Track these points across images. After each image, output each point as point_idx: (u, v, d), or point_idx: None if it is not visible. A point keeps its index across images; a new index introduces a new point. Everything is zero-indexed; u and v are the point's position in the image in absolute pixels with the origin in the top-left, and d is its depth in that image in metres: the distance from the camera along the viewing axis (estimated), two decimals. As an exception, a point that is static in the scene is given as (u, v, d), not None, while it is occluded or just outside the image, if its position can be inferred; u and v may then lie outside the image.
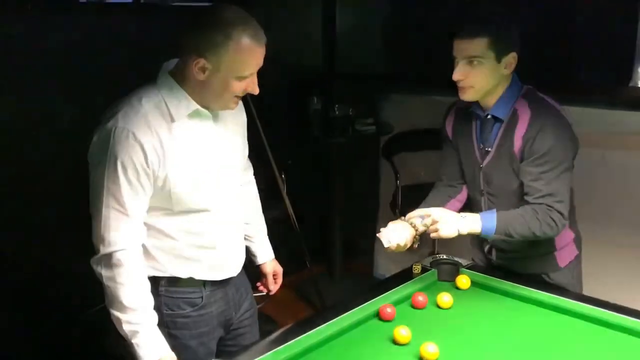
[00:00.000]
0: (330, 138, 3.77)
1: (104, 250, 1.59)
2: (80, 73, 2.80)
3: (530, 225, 1.79)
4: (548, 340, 1.72)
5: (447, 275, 2.05)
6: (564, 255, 2.03)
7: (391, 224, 1.93)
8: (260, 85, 1.67)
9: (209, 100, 1.65)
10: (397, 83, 4.02)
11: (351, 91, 4.00)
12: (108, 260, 1.60)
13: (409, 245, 1.91)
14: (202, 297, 1.78)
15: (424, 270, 2.08)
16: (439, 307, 1.89)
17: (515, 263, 2.03)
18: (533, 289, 1.93)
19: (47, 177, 2.74)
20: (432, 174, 3.39)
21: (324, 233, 4.06)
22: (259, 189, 2.11)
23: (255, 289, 2.06)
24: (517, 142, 1.84)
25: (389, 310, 1.83)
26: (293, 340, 1.65)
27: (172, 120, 1.62)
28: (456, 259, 2.12)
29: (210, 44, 1.54)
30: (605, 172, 3.04)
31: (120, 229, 1.59)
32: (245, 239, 1.96)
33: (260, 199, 2.12)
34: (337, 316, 1.79)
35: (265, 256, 2.07)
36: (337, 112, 3.83)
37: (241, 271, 1.92)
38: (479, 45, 1.78)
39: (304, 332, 1.69)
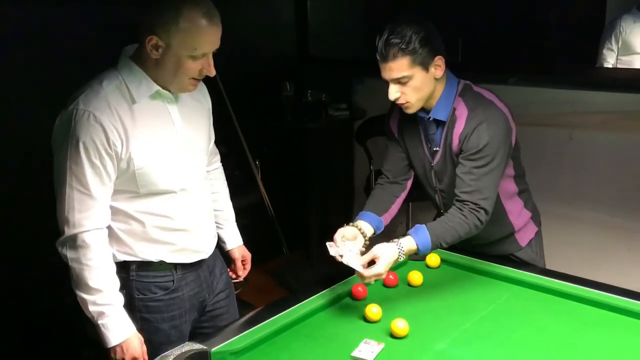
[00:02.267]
0: (304, 124, 3.78)
1: (68, 231, 1.61)
2: (42, 63, 2.75)
3: (458, 230, 1.81)
4: (515, 313, 1.78)
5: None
6: (524, 234, 2.08)
7: (345, 237, 1.90)
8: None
9: (165, 81, 1.66)
10: (370, 67, 4.04)
11: (324, 76, 4.01)
12: (73, 241, 1.61)
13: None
14: (173, 281, 1.79)
15: (396, 250, 2.12)
16: (409, 285, 1.93)
17: (479, 248, 2.07)
18: (500, 265, 1.99)
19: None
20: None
21: (299, 218, 4.09)
22: (233, 175, 2.12)
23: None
24: (455, 141, 1.87)
25: (360, 289, 1.87)
26: (267, 320, 1.68)
27: (134, 101, 1.63)
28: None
29: (162, 21, 1.55)
30: (573, 150, 3.11)
31: (84, 210, 1.60)
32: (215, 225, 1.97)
33: (235, 186, 2.12)
34: (310, 296, 1.83)
35: (234, 242, 2.08)
36: (310, 98, 3.84)
37: (215, 252, 1.93)
38: (401, 66, 1.77)
39: (278, 312, 1.73)
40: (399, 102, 1.86)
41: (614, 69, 3.76)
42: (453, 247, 2.06)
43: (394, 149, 2.10)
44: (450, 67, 1.90)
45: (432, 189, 2.05)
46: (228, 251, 2.08)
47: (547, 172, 3.10)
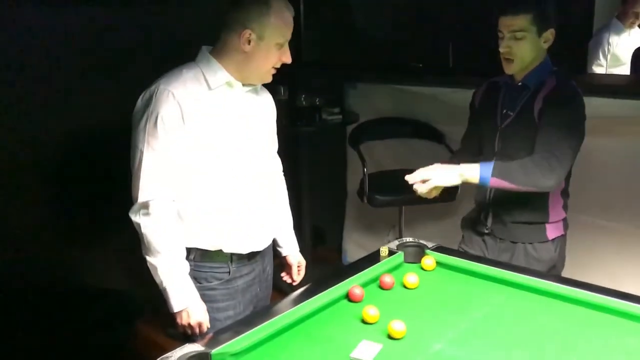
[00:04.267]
0: (298, 127, 3.81)
1: (141, 198, 1.75)
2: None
3: (527, 170, 1.92)
4: (511, 315, 1.80)
5: (413, 257, 2.12)
6: (553, 229, 2.18)
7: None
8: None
9: (250, 72, 1.84)
10: (363, 72, 4.07)
11: (317, 81, 4.04)
12: (145, 209, 1.76)
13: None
14: (229, 272, 1.92)
15: (391, 253, 2.14)
16: (405, 287, 1.95)
17: (508, 230, 2.17)
18: (496, 267, 2.01)
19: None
20: (398, 161, 3.47)
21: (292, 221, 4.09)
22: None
23: (279, 279, 2.22)
24: (539, 103, 2.01)
25: (357, 291, 1.88)
26: (266, 322, 1.69)
27: (209, 88, 1.82)
28: (421, 241, 2.19)
29: (255, 15, 1.76)
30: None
31: (158, 180, 1.75)
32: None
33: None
34: (307, 299, 1.84)
35: (291, 248, 2.21)
36: (303, 102, 3.87)
37: (269, 254, 2.08)
38: (523, 20, 1.96)
39: (277, 314, 1.74)
40: (506, 55, 2.01)
41: (603, 75, 3.83)
42: (451, 251, 2.11)
43: (472, 127, 2.26)
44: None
45: (493, 154, 2.14)
46: (284, 256, 2.20)
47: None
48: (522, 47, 2.00)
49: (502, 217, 1.98)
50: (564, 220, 2.23)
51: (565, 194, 2.19)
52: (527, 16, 1.98)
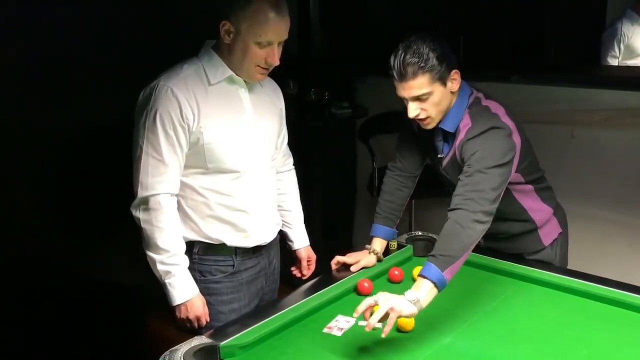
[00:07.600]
0: (307, 121, 3.80)
1: (141, 193, 1.77)
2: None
3: (461, 237, 1.68)
4: (519, 308, 1.80)
5: (422, 250, 2.11)
6: (547, 232, 2.07)
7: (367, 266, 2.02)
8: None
9: (235, 67, 1.81)
10: (372, 66, 4.05)
11: (326, 75, 4.02)
12: (145, 204, 1.77)
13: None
14: (233, 265, 1.92)
15: (400, 246, 2.15)
16: (414, 280, 1.93)
17: (502, 244, 2.09)
18: (504, 260, 2.01)
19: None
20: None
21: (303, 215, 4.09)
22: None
23: (289, 273, 2.22)
24: (457, 151, 1.87)
25: (366, 284, 1.89)
26: (274, 315, 1.70)
27: (209, 83, 1.80)
28: (430, 235, 2.19)
29: (234, 7, 1.72)
30: (575, 147, 3.12)
31: (157, 175, 1.76)
32: (283, 225, 2.12)
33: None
34: (316, 292, 1.85)
35: (301, 242, 2.19)
36: (313, 96, 3.85)
37: (276, 247, 2.08)
38: (422, 84, 1.77)
39: (285, 307, 1.75)
40: (419, 118, 1.86)
41: (616, 67, 3.79)
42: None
43: (411, 141, 2.11)
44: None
45: (446, 185, 2.07)
46: (295, 250, 2.19)
47: (549, 169, 3.04)
48: (432, 106, 1.82)
49: (492, 235, 1.84)
50: (555, 214, 2.08)
51: (539, 191, 2.04)
52: (424, 77, 1.76)
